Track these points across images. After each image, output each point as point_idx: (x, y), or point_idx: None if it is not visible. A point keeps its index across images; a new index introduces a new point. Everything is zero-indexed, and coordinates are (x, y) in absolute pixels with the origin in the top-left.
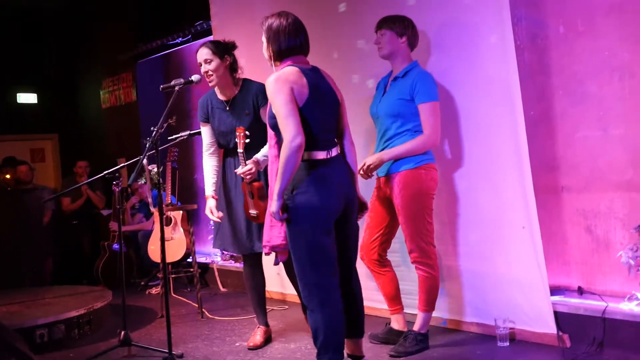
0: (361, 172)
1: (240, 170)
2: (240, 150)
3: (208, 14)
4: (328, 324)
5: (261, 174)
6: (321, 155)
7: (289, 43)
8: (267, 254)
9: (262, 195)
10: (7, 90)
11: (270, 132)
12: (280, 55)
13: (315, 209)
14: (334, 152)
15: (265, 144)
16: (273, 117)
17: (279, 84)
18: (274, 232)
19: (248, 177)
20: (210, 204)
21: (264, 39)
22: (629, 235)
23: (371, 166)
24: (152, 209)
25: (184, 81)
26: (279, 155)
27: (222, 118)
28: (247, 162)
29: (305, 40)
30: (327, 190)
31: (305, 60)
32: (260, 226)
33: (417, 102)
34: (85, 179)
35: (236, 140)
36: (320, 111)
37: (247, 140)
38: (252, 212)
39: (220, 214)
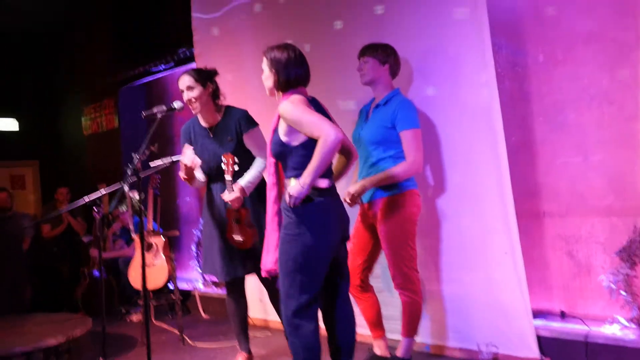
0: (348, 200)
1: (227, 197)
2: (228, 177)
3: (191, 41)
4: (306, 347)
5: (246, 200)
6: (324, 183)
7: (297, 73)
8: (266, 277)
9: (249, 222)
10: None
11: (270, 160)
12: (287, 85)
13: (324, 236)
14: (332, 181)
15: (246, 170)
16: (280, 144)
17: (297, 102)
18: (269, 258)
19: (235, 204)
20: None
21: (266, 68)
22: (610, 259)
23: (355, 195)
24: (133, 235)
25: (166, 108)
26: (277, 183)
27: (205, 145)
28: (233, 188)
29: (308, 71)
30: (333, 219)
31: (305, 91)
32: (244, 251)
33: (398, 129)
34: (66, 205)
35: (223, 167)
36: None
37: (236, 168)
38: (238, 238)
39: (191, 155)
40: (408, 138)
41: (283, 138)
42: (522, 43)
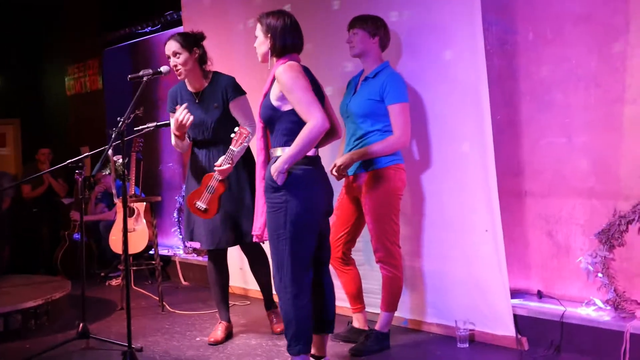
0: (334, 172)
1: (224, 165)
2: (233, 147)
3: (179, 4)
4: (300, 317)
5: (232, 172)
6: (312, 152)
7: (293, 40)
8: (248, 242)
9: (220, 195)
10: None
11: (258, 124)
12: (283, 51)
13: (310, 204)
14: (317, 151)
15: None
16: (271, 108)
17: (295, 72)
18: (261, 222)
19: (224, 172)
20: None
21: (260, 34)
22: (589, 241)
23: (342, 166)
24: (115, 199)
25: (153, 72)
26: (264, 148)
27: (192, 110)
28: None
29: (302, 38)
30: (318, 187)
31: (299, 58)
32: (229, 221)
33: (387, 103)
34: (47, 166)
35: (233, 136)
36: None
37: (245, 144)
38: (201, 205)
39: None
40: (396, 112)
41: (274, 102)
42: (513, 21)
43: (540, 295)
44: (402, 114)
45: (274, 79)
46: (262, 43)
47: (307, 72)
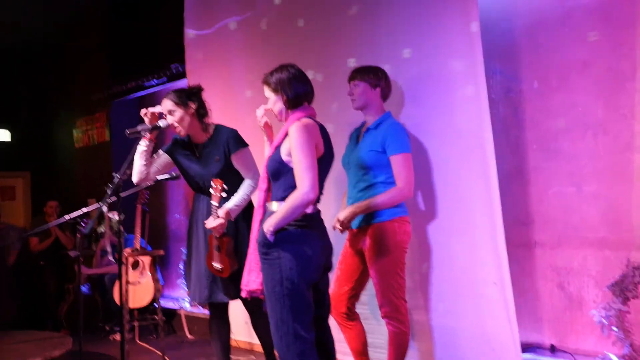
0: (338, 226)
1: (210, 223)
2: (214, 203)
3: (183, 56)
4: None
5: (230, 225)
6: (308, 210)
7: (304, 88)
8: (246, 298)
9: (230, 251)
10: None
11: (262, 175)
12: (296, 101)
13: (305, 260)
14: (317, 208)
15: (235, 191)
16: (280, 162)
17: (306, 134)
18: (252, 277)
19: (219, 231)
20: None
21: (270, 94)
22: (602, 293)
23: (344, 221)
24: (110, 258)
25: (151, 127)
26: (264, 204)
27: (191, 162)
28: (219, 213)
29: (312, 86)
30: (314, 243)
31: (315, 112)
32: (230, 276)
33: (389, 153)
34: (54, 219)
35: (211, 191)
36: (325, 169)
37: (224, 195)
38: (217, 265)
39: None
40: (398, 163)
41: (284, 157)
42: (517, 68)
43: (553, 349)
44: (405, 164)
45: (286, 134)
46: (275, 101)
47: (322, 130)
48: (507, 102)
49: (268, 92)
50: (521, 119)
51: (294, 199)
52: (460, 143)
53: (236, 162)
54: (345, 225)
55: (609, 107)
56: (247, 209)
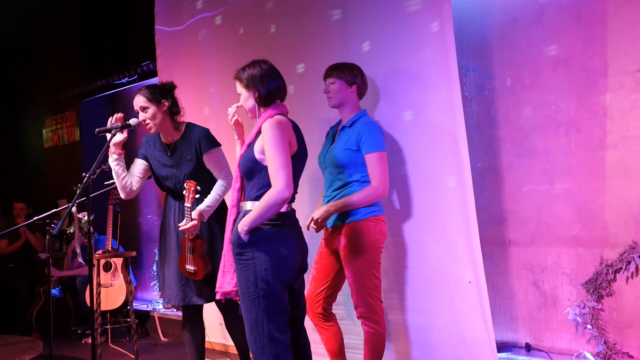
0: (313, 225)
1: (183, 225)
2: (187, 204)
3: (154, 54)
4: None
5: (203, 226)
6: (283, 209)
7: (277, 84)
8: (220, 300)
9: (203, 253)
10: None
11: (235, 174)
12: (268, 98)
13: (279, 260)
14: (292, 207)
15: (207, 191)
16: (253, 160)
17: (280, 131)
18: (226, 279)
19: (192, 233)
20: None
21: (242, 90)
22: (576, 291)
23: (319, 220)
24: (79, 259)
25: (121, 125)
26: (237, 204)
27: (162, 163)
28: (192, 215)
29: (284, 82)
30: (288, 242)
31: (287, 110)
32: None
33: (363, 152)
34: (22, 220)
35: (184, 193)
36: (299, 166)
37: (197, 196)
38: (190, 268)
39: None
40: (373, 161)
41: (257, 155)
42: (490, 66)
43: (528, 348)
44: (380, 163)
45: (259, 132)
46: (247, 98)
47: (295, 128)
48: (480, 100)
49: (240, 89)
50: (494, 116)
51: (268, 197)
52: (434, 141)
53: (208, 161)
54: (319, 224)
55: (582, 105)
56: (221, 210)
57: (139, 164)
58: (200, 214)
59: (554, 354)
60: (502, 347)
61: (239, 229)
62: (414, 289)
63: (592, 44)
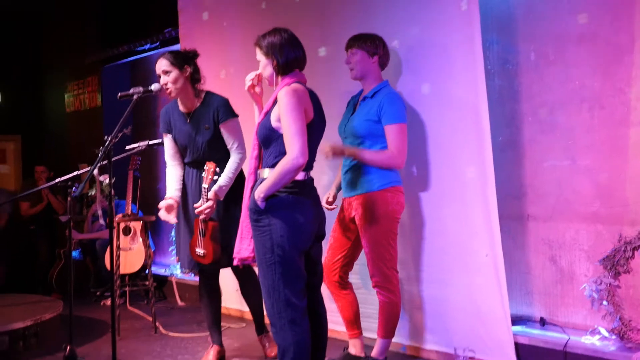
0: (325, 151)
1: (199, 207)
2: (205, 185)
3: (177, 21)
4: (298, 343)
5: (219, 203)
6: (300, 176)
7: (296, 54)
8: (238, 265)
9: (215, 236)
10: None
11: (254, 142)
12: (287, 67)
13: (295, 227)
14: (310, 175)
15: (224, 160)
16: (270, 128)
17: (295, 98)
18: (244, 245)
19: (207, 212)
20: (168, 202)
21: (262, 57)
22: (594, 267)
23: (334, 150)
24: (101, 222)
25: (143, 90)
26: (255, 171)
27: (182, 131)
28: (208, 196)
29: (304, 52)
30: (306, 211)
31: (305, 79)
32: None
33: (383, 123)
34: (43, 183)
35: (203, 174)
36: (317, 135)
37: (216, 177)
38: (200, 251)
39: (174, 219)
40: (392, 132)
41: (274, 123)
42: (514, 40)
43: (543, 322)
44: (399, 134)
45: (276, 100)
46: (265, 65)
47: (312, 96)
48: (503, 74)
49: (259, 55)
50: (517, 91)
51: (283, 164)
52: (456, 114)
53: (224, 131)
54: (332, 152)
55: (606, 81)
56: (236, 185)
57: (168, 140)
58: (216, 194)
59: (569, 329)
60: (516, 320)
61: (256, 196)
62: (430, 260)
63: (619, 19)
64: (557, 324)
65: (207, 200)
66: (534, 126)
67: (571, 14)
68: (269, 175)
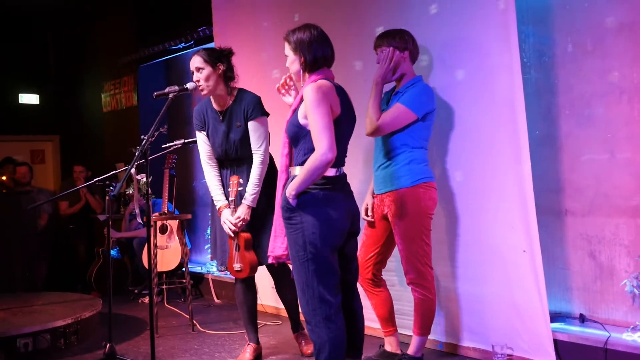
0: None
1: (229, 222)
2: (232, 198)
3: (211, 19)
4: (334, 340)
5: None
6: (331, 172)
7: (324, 52)
8: (273, 263)
9: (249, 245)
10: (9, 91)
11: (284, 140)
12: (314, 64)
13: (327, 223)
14: (342, 170)
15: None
16: (297, 125)
17: (320, 94)
18: (277, 243)
19: (239, 226)
20: (226, 214)
21: (290, 52)
22: (634, 263)
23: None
24: (138, 219)
25: (179, 89)
26: (287, 169)
27: (216, 129)
28: (238, 212)
29: (333, 49)
30: (336, 206)
31: (333, 75)
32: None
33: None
34: (81, 183)
35: (228, 189)
36: (346, 131)
37: (240, 188)
38: (237, 266)
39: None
40: (393, 109)
41: (301, 120)
42: (550, 32)
43: (582, 319)
44: (396, 113)
45: (302, 97)
46: (293, 61)
47: (339, 91)
48: (539, 67)
49: (287, 51)
50: (554, 83)
51: (312, 160)
52: (492, 108)
53: (251, 128)
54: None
55: None
56: (268, 178)
57: (202, 137)
58: (249, 208)
59: (609, 326)
60: (555, 317)
61: (287, 194)
62: (466, 256)
63: None
64: (597, 320)
65: (238, 217)
66: (571, 119)
67: (609, 4)
68: (299, 172)
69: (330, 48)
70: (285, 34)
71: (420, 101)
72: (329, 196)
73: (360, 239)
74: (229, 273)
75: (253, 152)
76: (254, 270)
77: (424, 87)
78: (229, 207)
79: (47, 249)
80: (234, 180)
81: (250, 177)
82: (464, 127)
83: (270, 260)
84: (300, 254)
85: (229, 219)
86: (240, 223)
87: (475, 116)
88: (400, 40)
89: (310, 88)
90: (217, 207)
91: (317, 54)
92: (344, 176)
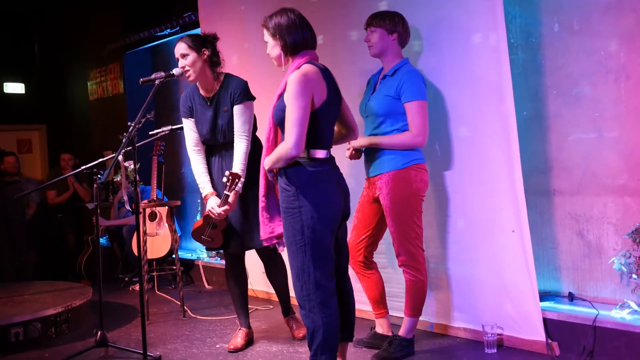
0: (348, 152)
1: (216, 209)
2: (226, 192)
3: (196, 5)
4: (327, 325)
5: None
6: (321, 154)
7: (303, 35)
8: (263, 247)
9: (225, 228)
10: None
11: (269, 125)
12: (294, 48)
13: (325, 206)
14: (330, 152)
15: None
16: (283, 110)
17: (303, 85)
18: (275, 222)
19: (226, 211)
20: (212, 202)
21: (269, 38)
22: (622, 241)
23: (355, 147)
24: (127, 207)
25: (165, 75)
26: (272, 147)
27: (204, 115)
28: (229, 200)
29: (313, 33)
30: (332, 188)
31: (316, 55)
32: (243, 227)
33: (403, 100)
34: (69, 171)
35: (224, 180)
36: (333, 113)
37: (237, 188)
38: (206, 237)
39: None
40: (413, 110)
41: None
42: (537, 12)
43: (571, 297)
44: (420, 112)
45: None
46: (273, 47)
47: (325, 74)
48: (526, 47)
49: (267, 37)
50: (541, 64)
51: (280, 149)
52: (479, 89)
53: (235, 112)
54: (354, 152)
55: (633, 51)
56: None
57: (189, 124)
58: (236, 194)
59: (597, 304)
60: (544, 296)
61: (265, 167)
62: (456, 238)
63: None
64: (586, 298)
65: (226, 204)
66: (558, 99)
67: None
68: (273, 152)
69: (310, 31)
70: (263, 21)
71: (421, 88)
72: (324, 176)
73: (352, 223)
74: (219, 259)
75: (236, 135)
76: (244, 226)
77: (416, 73)
78: (215, 195)
79: (35, 238)
80: (230, 177)
81: (235, 162)
82: (451, 109)
83: (270, 242)
84: (297, 239)
85: (215, 208)
86: (227, 208)
87: (463, 97)
88: (389, 23)
89: (294, 77)
90: (203, 195)
91: (297, 38)
92: (332, 159)
